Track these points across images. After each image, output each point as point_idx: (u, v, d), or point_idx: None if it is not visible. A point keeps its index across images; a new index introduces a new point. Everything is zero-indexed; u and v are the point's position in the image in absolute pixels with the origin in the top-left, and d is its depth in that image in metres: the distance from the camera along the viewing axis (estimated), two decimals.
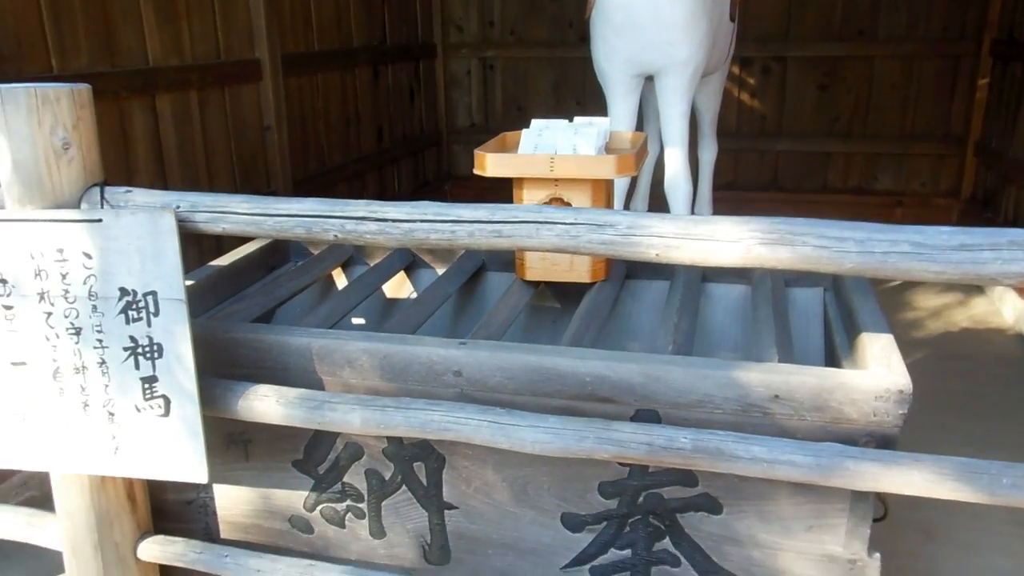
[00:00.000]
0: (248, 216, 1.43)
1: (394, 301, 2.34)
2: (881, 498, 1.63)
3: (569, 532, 1.61)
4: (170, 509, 1.81)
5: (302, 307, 2.27)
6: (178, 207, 1.44)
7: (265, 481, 1.75)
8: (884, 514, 1.71)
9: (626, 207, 3.64)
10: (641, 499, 1.55)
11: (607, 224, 1.25)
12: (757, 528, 1.51)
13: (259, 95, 3.57)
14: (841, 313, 1.90)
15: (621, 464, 1.53)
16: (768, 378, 1.42)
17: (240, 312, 1.91)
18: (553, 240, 1.27)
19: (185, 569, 1.70)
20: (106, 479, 1.65)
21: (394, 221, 1.35)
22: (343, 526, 1.74)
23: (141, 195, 1.50)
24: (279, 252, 2.38)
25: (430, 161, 5.52)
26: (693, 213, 3.47)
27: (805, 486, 1.45)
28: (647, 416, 1.47)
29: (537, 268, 1.98)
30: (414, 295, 2.31)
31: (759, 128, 5.25)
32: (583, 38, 5.32)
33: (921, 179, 5.12)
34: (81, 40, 2.64)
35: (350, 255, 2.36)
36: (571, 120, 2.06)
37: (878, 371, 1.43)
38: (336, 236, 1.38)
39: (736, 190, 5.17)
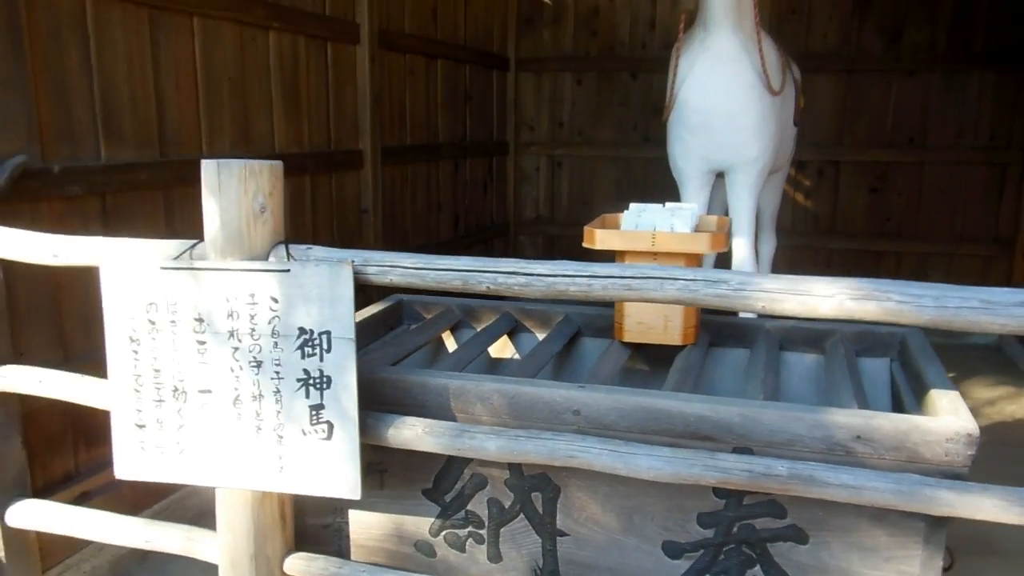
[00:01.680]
0: (413, 269, 1.72)
1: (498, 361, 2.61)
2: (949, 549, 1.81)
3: (669, 559, 1.82)
4: (309, 532, 2.05)
5: (418, 364, 2.54)
6: (353, 261, 1.74)
7: (396, 508, 1.99)
8: (951, 563, 1.88)
9: None
10: (735, 529, 1.76)
11: (721, 281, 1.52)
12: (840, 558, 1.71)
13: (360, 181, 3.95)
14: (908, 378, 2.12)
15: (718, 496, 1.75)
16: (851, 421, 1.65)
17: (376, 359, 2.19)
18: (675, 294, 1.54)
19: None
20: (265, 497, 1.90)
21: (539, 275, 1.63)
22: (463, 551, 1.96)
23: (319, 251, 1.81)
24: (395, 315, 2.68)
25: (498, 249, 5.85)
26: None
27: (884, 519, 1.66)
28: (744, 452, 1.70)
29: (634, 331, 2.24)
30: (517, 357, 2.58)
31: (813, 226, 5.52)
32: (646, 139, 5.73)
33: (971, 279, 5.30)
34: (226, 128, 3.03)
35: (459, 320, 2.65)
36: (664, 206, 2.36)
37: (948, 418, 1.65)
38: (488, 287, 1.66)
39: None
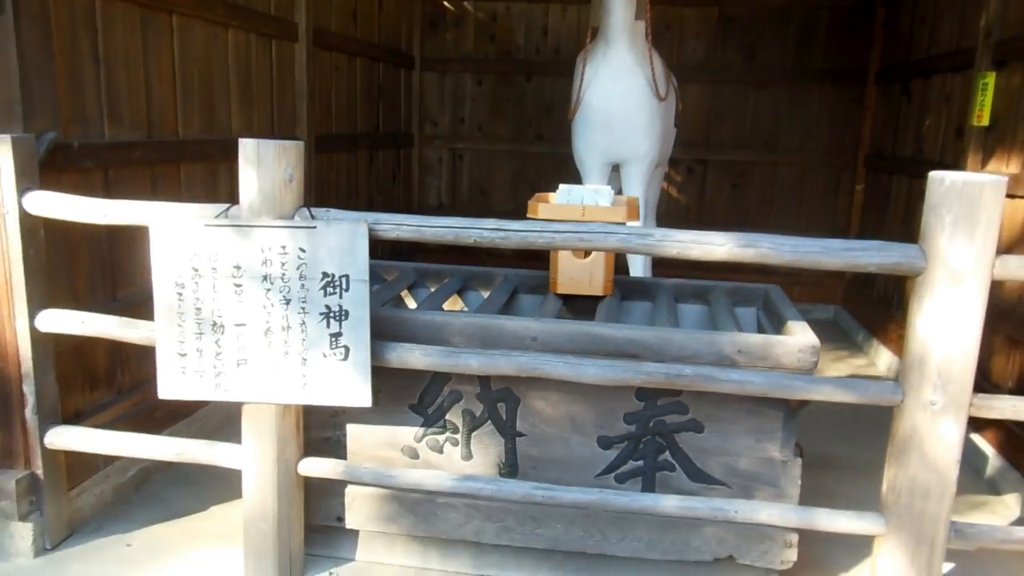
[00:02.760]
0: (415, 227, 2.25)
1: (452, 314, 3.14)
2: (799, 445, 2.49)
3: (601, 449, 2.43)
4: (313, 444, 2.53)
5: None
6: (367, 220, 2.25)
7: (386, 421, 2.50)
8: (801, 453, 2.56)
9: None
10: (651, 424, 2.39)
11: (648, 234, 2.13)
12: (726, 441, 2.36)
13: None
14: (769, 318, 2.81)
15: (638, 399, 2.37)
16: (734, 339, 2.31)
17: None
18: (615, 243, 2.14)
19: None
20: (286, 410, 2.37)
21: (514, 231, 2.19)
22: (442, 452, 2.50)
23: (336, 213, 2.30)
24: None
25: None
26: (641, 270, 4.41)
27: (756, 412, 2.32)
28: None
29: (566, 284, 2.84)
30: (467, 310, 3.12)
31: (683, 216, 6.31)
32: (539, 136, 6.38)
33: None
34: (196, 115, 3.42)
35: (415, 280, 3.17)
36: (601, 187, 2.98)
37: (799, 336, 2.33)
38: (476, 240, 2.21)
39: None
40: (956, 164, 4.12)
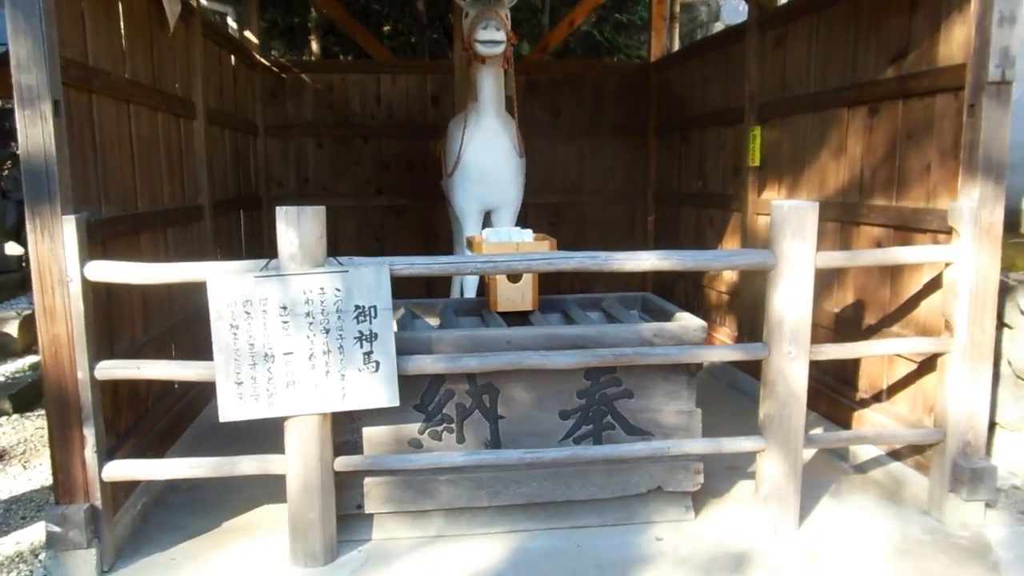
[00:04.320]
0: (424, 265, 2.98)
1: None
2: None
3: (561, 420, 3.25)
4: (336, 447, 3.13)
5: None
6: (389, 264, 2.94)
7: (393, 420, 3.16)
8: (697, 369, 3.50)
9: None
10: (596, 396, 3.25)
11: (596, 256, 3.02)
12: (648, 402, 3.28)
13: (200, 230, 4.80)
14: (652, 314, 3.79)
15: (586, 379, 3.23)
16: (651, 327, 3.24)
17: None
18: (574, 264, 3.01)
19: None
20: (325, 419, 2.98)
21: (501, 261, 3.00)
22: (440, 439, 3.20)
23: (358, 260, 2.97)
24: None
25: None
26: None
27: (669, 378, 3.26)
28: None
29: (503, 303, 3.65)
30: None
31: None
32: (379, 191, 7.10)
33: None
34: (145, 189, 3.85)
35: None
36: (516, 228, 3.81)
37: (693, 320, 3.31)
38: (473, 270, 2.99)
39: None
40: (737, 195, 5.41)
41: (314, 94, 7.01)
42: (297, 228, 2.87)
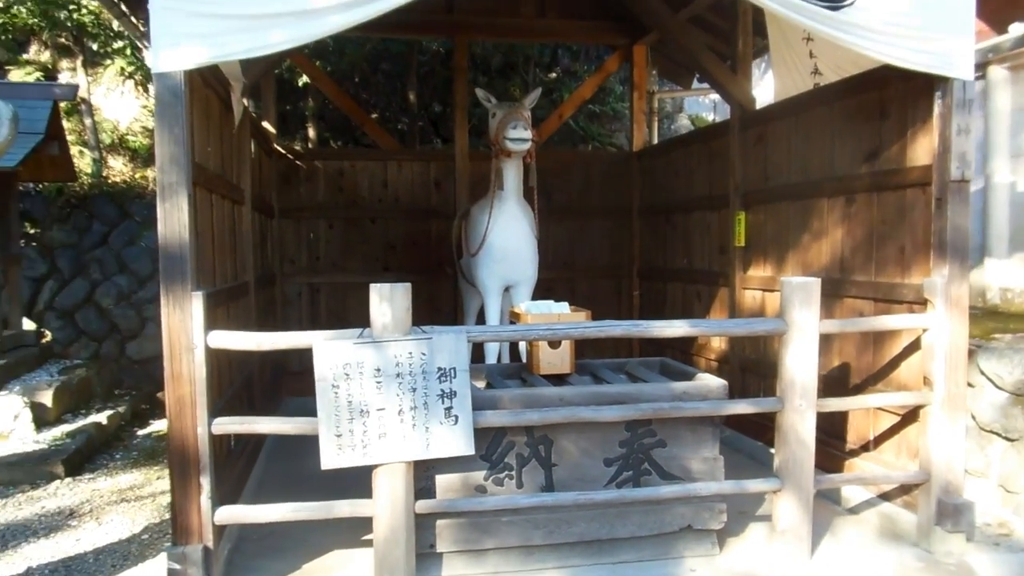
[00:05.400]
0: (494, 332, 3.49)
1: None
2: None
3: (605, 467, 3.75)
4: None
5: None
6: (467, 332, 3.45)
7: (462, 468, 3.61)
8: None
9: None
10: (635, 446, 3.77)
11: (638, 324, 3.58)
12: (679, 451, 3.80)
13: (247, 306, 5.24)
14: (671, 375, 4.33)
15: (627, 431, 3.74)
16: (681, 386, 3.79)
17: None
18: (620, 332, 3.56)
19: None
20: (409, 466, 3.42)
21: (561, 330, 3.53)
22: (502, 485, 3.67)
23: (439, 329, 3.47)
24: None
25: (268, 360, 7.17)
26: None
27: (696, 429, 3.79)
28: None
29: (544, 367, 4.16)
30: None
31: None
32: (386, 268, 7.61)
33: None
34: (227, 266, 4.32)
35: None
36: (551, 301, 4.35)
37: (716, 380, 3.86)
38: (536, 338, 3.52)
39: None
40: (723, 272, 6.05)
41: (325, 179, 7.56)
42: (390, 302, 3.38)
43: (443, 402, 3.42)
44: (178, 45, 3.15)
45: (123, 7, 5.15)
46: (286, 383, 7.02)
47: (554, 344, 4.15)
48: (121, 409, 6.82)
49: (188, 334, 3.26)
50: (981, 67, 6.52)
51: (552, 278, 7.82)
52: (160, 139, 3.20)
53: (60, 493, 4.89)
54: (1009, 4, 7.24)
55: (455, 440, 3.43)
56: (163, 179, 3.20)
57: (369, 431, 3.36)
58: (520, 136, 5.04)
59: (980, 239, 6.66)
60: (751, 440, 5.34)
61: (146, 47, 5.16)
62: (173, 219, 3.22)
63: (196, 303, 3.25)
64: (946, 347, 3.79)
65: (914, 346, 4.04)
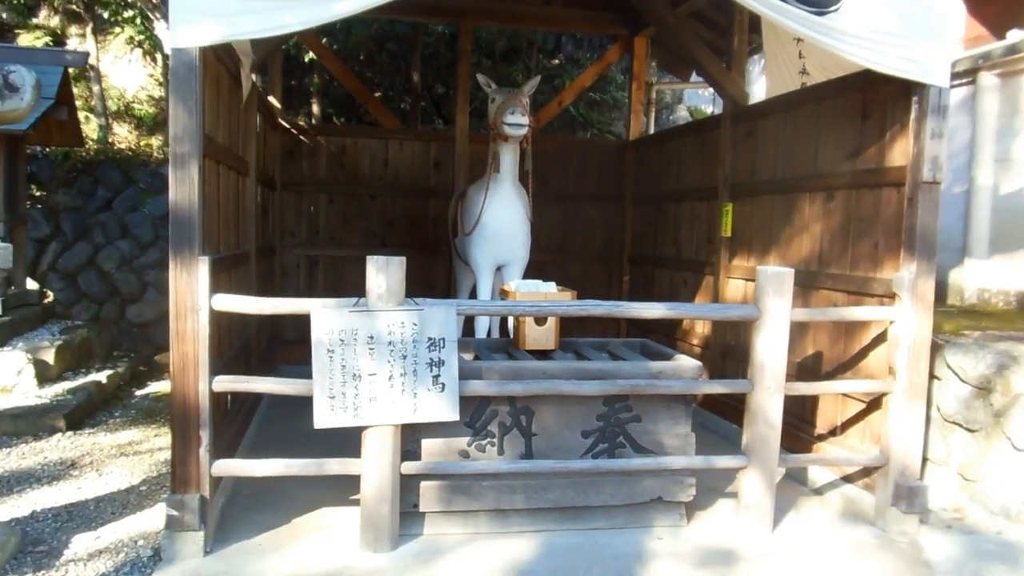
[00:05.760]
0: (483, 307, 3.70)
1: None
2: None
3: (583, 439, 3.96)
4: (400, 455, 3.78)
5: None
6: (456, 305, 3.65)
7: (446, 434, 3.82)
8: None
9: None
10: (612, 419, 3.98)
11: (617, 304, 3.79)
12: (654, 426, 4.02)
13: (247, 272, 5.43)
14: (650, 355, 4.55)
15: (604, 405, 3.95)
16: (656, 365, 4.00)
17: None
18: (600, 311, 3.76)
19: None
20: (397, 429, 3.63)
21: (546, 306, 3.73)
22: (484, 452, 3.88)
23: (430, 301, 3.68)
24: None
25: (265, 328, 7.37)
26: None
27: (670, 406, 4.00)
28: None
29: (530, 342, 4.37)
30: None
31: None
32: (383, 244, 7.80)
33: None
34: (231, 234, 4.51)
35: None
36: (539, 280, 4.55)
37: (690, 360, 4.08)
38: (522, 313, 3.72)
39: None
40: (710, 260, 6.25)
41: (328, 155, 7.73)
42: (385, 273, 3.58)
43: (431, 370, 3.63)
44: (194, 23, 3.33)
45: None
46: (281, 352, 7.21)
47: (540, 321, 4.36)
48: (120, 370, 7.02)
49: (194, 296, 3.46)
50: (971, 73, 6.73)
51: (545, 260, 8.03)
52: (174, 111, 3.38)
53: (61, 445, 5.10)
54: (1008, 10, 7.43)
55: (441, 406, 3.64)
56: (175, 149, 3.39)
57: (361, 394, 3.56)
58: (518, 122, 5.22)
59: (962, 240, 6.88)
60: (727, 423, 5.57)
61: (157, 19, 5.35)
62: (184, 188, 3.41)
63: (202, 267, 3.45)
64: (910, 339, 4.00)
65: (881, 338, 4.26)
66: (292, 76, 11.13)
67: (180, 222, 3.42)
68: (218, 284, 3.83)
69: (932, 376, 4.54)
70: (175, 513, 3.46)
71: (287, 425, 5.07)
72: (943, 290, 6.94)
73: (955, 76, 6.99)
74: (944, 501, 4.47)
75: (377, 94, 11.15)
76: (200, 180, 3.45)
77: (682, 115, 12.65)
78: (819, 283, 4.81)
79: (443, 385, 3.64)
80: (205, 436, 3.52)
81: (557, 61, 11.76)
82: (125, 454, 5.01)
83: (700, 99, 13.35)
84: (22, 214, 7.67)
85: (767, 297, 3.85)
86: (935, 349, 4.51)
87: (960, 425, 4.63)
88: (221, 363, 4.07)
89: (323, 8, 3.45)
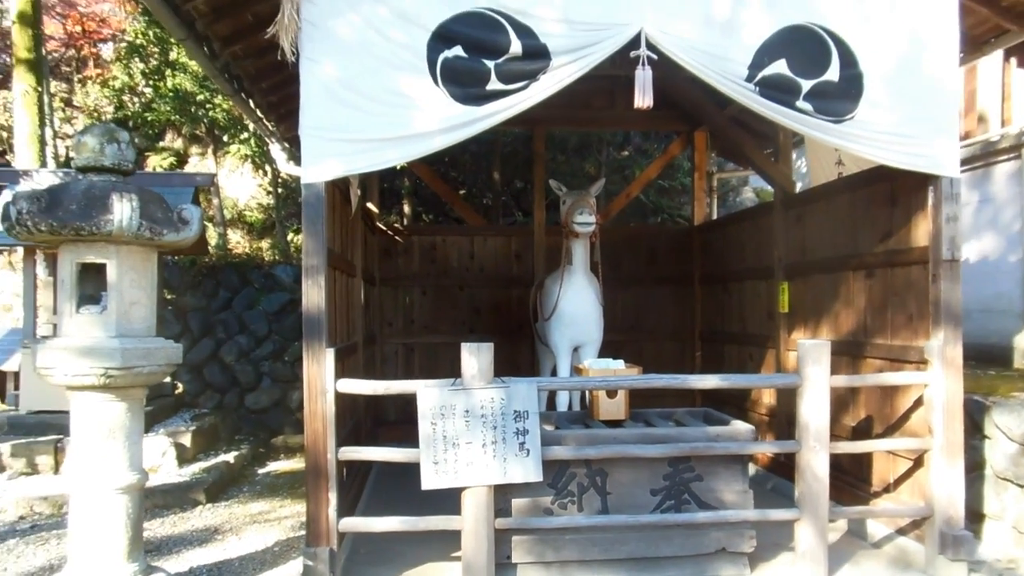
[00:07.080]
0: (562, 382, 4.37)
1: None
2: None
3: (651, 496, 4.53)
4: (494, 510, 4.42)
5: None
6: (537, 383, 4.33)
7: (532, 494, 4.46)
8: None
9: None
10: (677, 479, 4.55)
11: (678, 377, 4.40)
12: (714, 484, 4.56)
13: (370, 359, 6.24)
14: (711, 422, 5.10)
15: (669, 465, 4.53)
16: (714, 429, 4.57)
17: None
18: (663, 383, 4.38)
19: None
20: (489, 490, 4.28)
21: (617, 381, 4.38)
22: (565, 509, 4.49)
23: (514, 380, 4.36)
24: None
25: (370, 409, 8.17)
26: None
27: (729, 465, 4.55)
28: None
29: (603, 413, 5.00)
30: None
31: None
32: (472, 330, 8.57)
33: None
34: (354, 327, 5.33)
35: None
36: (610, 359, 5.19)
37: (745, 425, 4.63)
38: (594, 388, 4.37)
39: None
40: (771, 335, 6.78)
41: (420, 251, 8.63)
42: (477, 357, 4.30)
43: (518, 438, 4.29)
44: (320, 162, 4.20)
45: (259, 113, 6.31)
46: (383, 432, 7.98)
47: (611, 394, 4.99)
48: (243, 451, 7.89)
49: (323, 381, 4.24)
50: (1017, 148, 7.22)
51: (621, 340, 8.65)
52: (306, 232, 4.24)
53: (204, 515, 5.92)
54: None
55: (527, 469, 4.29)
56: (306, 262, 4.23)
57: (459, 459, 4.25)
58: (586, 220, 5.97)
59: (1021, 305, 7.25)
60: None
61: (272, 143, 6.29)
62: (313, 293, 4.23)
63: (329, 357, 4.24)
64: (943, 400, 4.48)
65: (921, 400, 4.73)
66: (385, 179, 12.25)
67: (311, 321, 4.23)
68: (338, 371, 4.63)
69: (983, 436, 4.97)
70: (310, 563, 4.17)
71: (390, 493, 5.78)
72: (1008, 354, 7.28)
73: (1002, 151, 7.52)
74: (999, 553, 4.83)
75: (462, 191, 12.14)
76: (327, 287, 4.27)
77: (748, 196, 13.25)
78: (865, 352, 5.32)
79: (528, 451, 4.29)
80: (333, 497, 4.24)
81: (626, 152, 12.58)
82: (257, 522, 5.79)
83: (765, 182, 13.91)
84: (159, 315, 8.75)
85: (807, 366, 4.41)
86: (983, 410, 4.95)
87: (1011, 481, 5.00)
88: (340, 439, 4.83)
89: (419, 145, 4.29)
